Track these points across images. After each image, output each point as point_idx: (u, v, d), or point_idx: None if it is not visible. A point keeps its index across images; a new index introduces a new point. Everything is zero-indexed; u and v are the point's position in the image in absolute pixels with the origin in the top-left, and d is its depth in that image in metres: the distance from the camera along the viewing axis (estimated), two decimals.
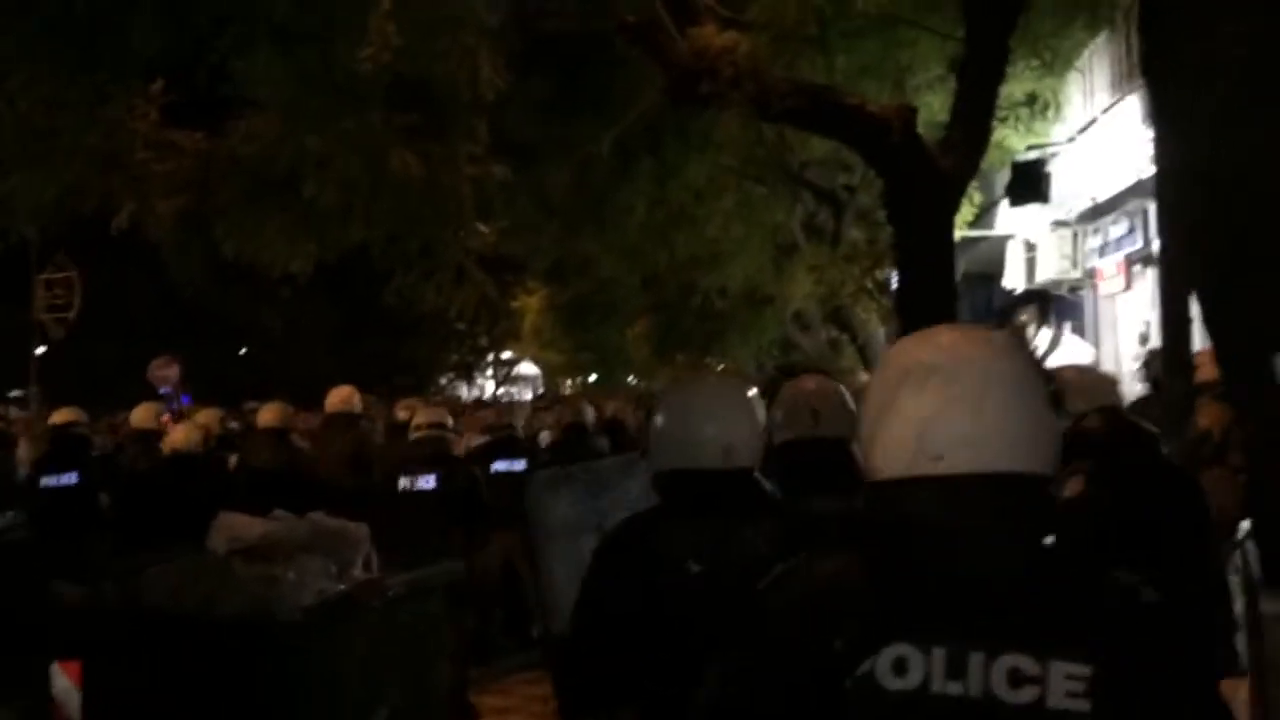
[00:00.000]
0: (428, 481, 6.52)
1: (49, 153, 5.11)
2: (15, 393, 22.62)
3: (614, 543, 2.41)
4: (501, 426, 8.43)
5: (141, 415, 7.92)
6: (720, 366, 16.73)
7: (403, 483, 6.53)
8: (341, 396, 7.64)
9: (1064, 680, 1.27)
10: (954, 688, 1.28)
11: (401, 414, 8.33)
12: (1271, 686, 3.38)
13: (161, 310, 22.75)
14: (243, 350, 29.86)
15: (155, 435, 7.37)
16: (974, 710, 1.28)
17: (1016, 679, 1.27)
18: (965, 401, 1.37)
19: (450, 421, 7.17)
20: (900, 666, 1.30)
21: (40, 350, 22.67)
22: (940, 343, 1.47)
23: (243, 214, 5.65)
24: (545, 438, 9.72)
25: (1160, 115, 4.44)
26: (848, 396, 3.30)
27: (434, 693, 4.81)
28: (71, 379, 22.24)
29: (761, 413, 2.51)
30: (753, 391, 2.54)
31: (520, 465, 7.75)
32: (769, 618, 1.43)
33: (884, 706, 1.30)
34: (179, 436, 6.56)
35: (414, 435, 6.81)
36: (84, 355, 23.71)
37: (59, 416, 7.94)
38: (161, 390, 18.50)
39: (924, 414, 1.38)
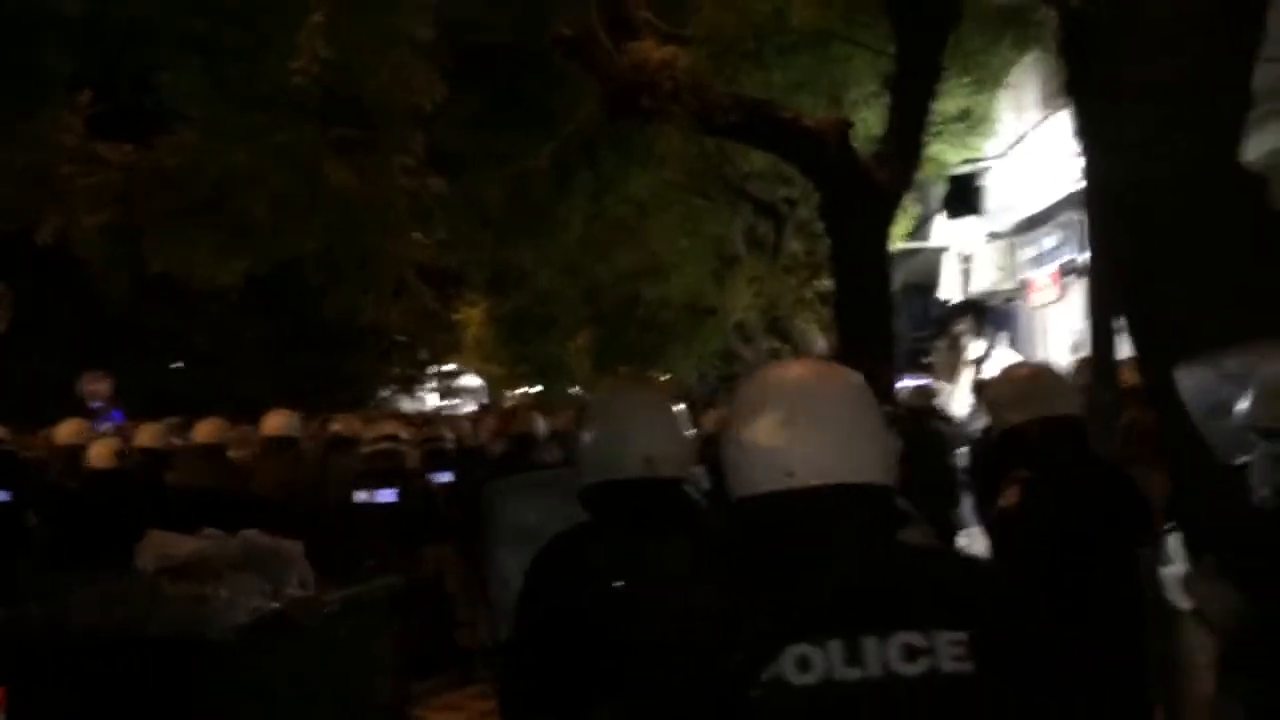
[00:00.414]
0: (387, 495, 6.43)
1: None
2: None
3: (544, 558, 2.40)
4: (430, 439, 8.24)
5: (68, 431, 7.74)
6: (664, 378, 16.78)
7: (360, 496, 6.43)
8: (280, 421, 7.49)
9: (948, 646, 1.43)
10: (854, 673, 1.42)
11: (338, 428, 8.21)
12: (1181, 680, 3.47)
13: (92, 324, 22.24)
14: (177, 365, 29.28)
15: (82, 451, 7.21)
16: (877, 688, 1.42)
17: (911, 653, 1.43)
18: (809, 424, 1.55)
19: (404, 434, 7.11)
20: (804, 664, 1.42)
21: None
22: (787, 375, 1.67)
23: (170, 229, 5.55)
24: (496, 449, 9.62)
25: (1084, 135, 4.55)
26: None
27: (373, 708, 4.76)
28: (0, 393, 21.64)
29: (685, 423, 2.49)
30: (675, 402, 2.53)
31: (447, 477, 7.61)
32: (663, 646, 1.54)
33: (797, 702, 1.42)
34: (99, 453, 6.41)
35: (368, 449, 6.72)
36: (12, 369, 23.09)
37: None
38: (93, 405, 18.08)
39: (775, 437, 1.55)
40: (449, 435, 8.03)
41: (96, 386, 18.90)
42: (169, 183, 5.34)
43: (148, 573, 3.82)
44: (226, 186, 4.92)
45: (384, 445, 6.59)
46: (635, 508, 2.34)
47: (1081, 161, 8.35)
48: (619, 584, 2.24)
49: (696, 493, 2.50)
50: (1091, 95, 4.21)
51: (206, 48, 4.22)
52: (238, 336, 25.79)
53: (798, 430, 1.54)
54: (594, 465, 2.39)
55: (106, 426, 14.98)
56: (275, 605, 3.94)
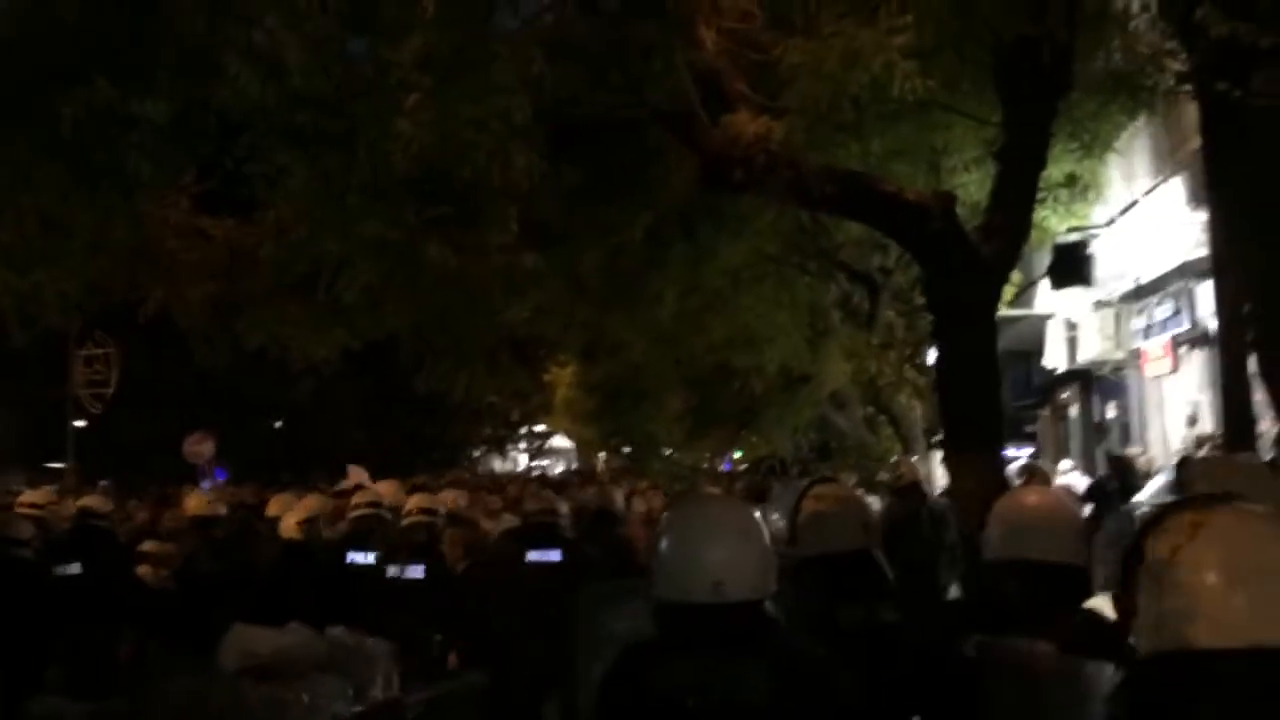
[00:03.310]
0: (416, 571, 6.21)
1: (70, 248, 5.07)
2: (55, 465, 22.78)
3: (614, 674, 2.39)
4: (541, 511, 7.83)
5: (197, 503, 7.77)
6: (754, 440, 16.51)
7: (391, 571, 6.23)
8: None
9: None
10: None
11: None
12: None
13: (195, 386, 22.89)
14: (276, 425, 29.91)
15: (211, 521, 7.28)
16: None
17: None
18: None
19: (442, 509, 6.86)
20: None
21: (79, 424, 22.84)
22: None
23: (266, 307, 5.58)
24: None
25: (1215, 202, 4.28)
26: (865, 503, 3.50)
27: None
28: (106, 453, 22.34)
29: (765, 537, 2.44)
30: (755, 516, 2.49)
31: (556, 555, 7.25)
32: None
33: None
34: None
35: (405, 521, 6.50)
36: (118, 430, 23.84)
37: (87, 501, 7.70)
38: (197, 465, 18.56)
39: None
40: (563, 511, 7.44)
41: (199, 447, 19.41)
42: (265, 263, 5.38)
43: (229, 673, 3.73)
44: (316, 270, 4.91)
45: (418, 519, 6.37)
46: (704, 631, 2.31)
47: (1196, 230, 7.89)
48: (692, 703, 2.24)
49: (774, 609, 2.45)
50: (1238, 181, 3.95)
51: (301, 139, 4.22)
52: (335, 399, 26.29)
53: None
54: (664, 583, 2.37)
55: (206, 485, 15.23)
56: (357, 709, 3.80)
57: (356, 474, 8.68)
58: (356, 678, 3.85)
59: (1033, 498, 3.14)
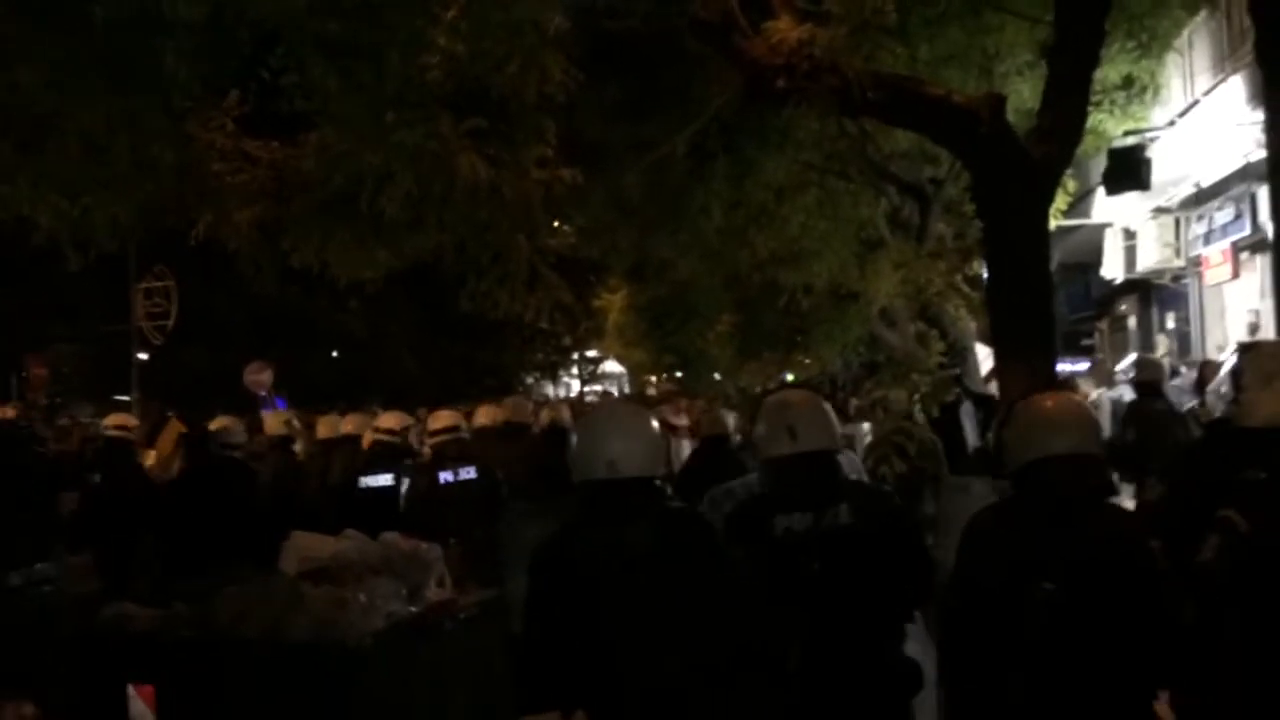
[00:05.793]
0: (469, 472, 6.39)
1: (117, 171, 5.12)
2: (121, 397, 23.36)
3: (543, 548, 2.90)
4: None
5: (273, 423, 8.15)
6: (806, 362, 16.40)
7: (444, 476, 6.39)
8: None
9: None
10: None
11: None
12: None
13: (250, 317, 23.23)
14: (333, 354, 30.34)
15: (289, 440, 7.76)
16: None
17: None
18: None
19: (463, 425, 7.05)
20: None
21: (142, 357, 23.34)
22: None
23: (310, 225, 5.62)
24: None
25: (1273, 100, 4.13)
26: (826, 408, 3.54)
27: (508, 713, 4.70)
28: (168, 384, 22.87)
29: (654, 428, 3.00)
30: (645, 413, 3.11)
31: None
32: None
33: None
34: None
35: (433, 440, 6.71)
36: (179, 361, 24.35)
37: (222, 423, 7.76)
38: (257, 394, 18.88)
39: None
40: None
41: (259, 377, 19.70)
42: (309, 181, 5.40)
43: (289, 575, 3.85)
44: (358, 186, 4.92)
45: (444, 438, 6.54)
46: (601, 501, 2.83)
47: (1257, 131, 7.64)
48: (594, 567, 2.75)
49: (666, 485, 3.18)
50: None
51: (334, 48, 4.19)
52: (389, 329, 26.60)
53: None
54: (574, 468, 2.90)
55: (268, 413, 15.43)
56: (412, 609, 3.91)
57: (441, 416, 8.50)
58: (410, 580, 3.96)
59: None
